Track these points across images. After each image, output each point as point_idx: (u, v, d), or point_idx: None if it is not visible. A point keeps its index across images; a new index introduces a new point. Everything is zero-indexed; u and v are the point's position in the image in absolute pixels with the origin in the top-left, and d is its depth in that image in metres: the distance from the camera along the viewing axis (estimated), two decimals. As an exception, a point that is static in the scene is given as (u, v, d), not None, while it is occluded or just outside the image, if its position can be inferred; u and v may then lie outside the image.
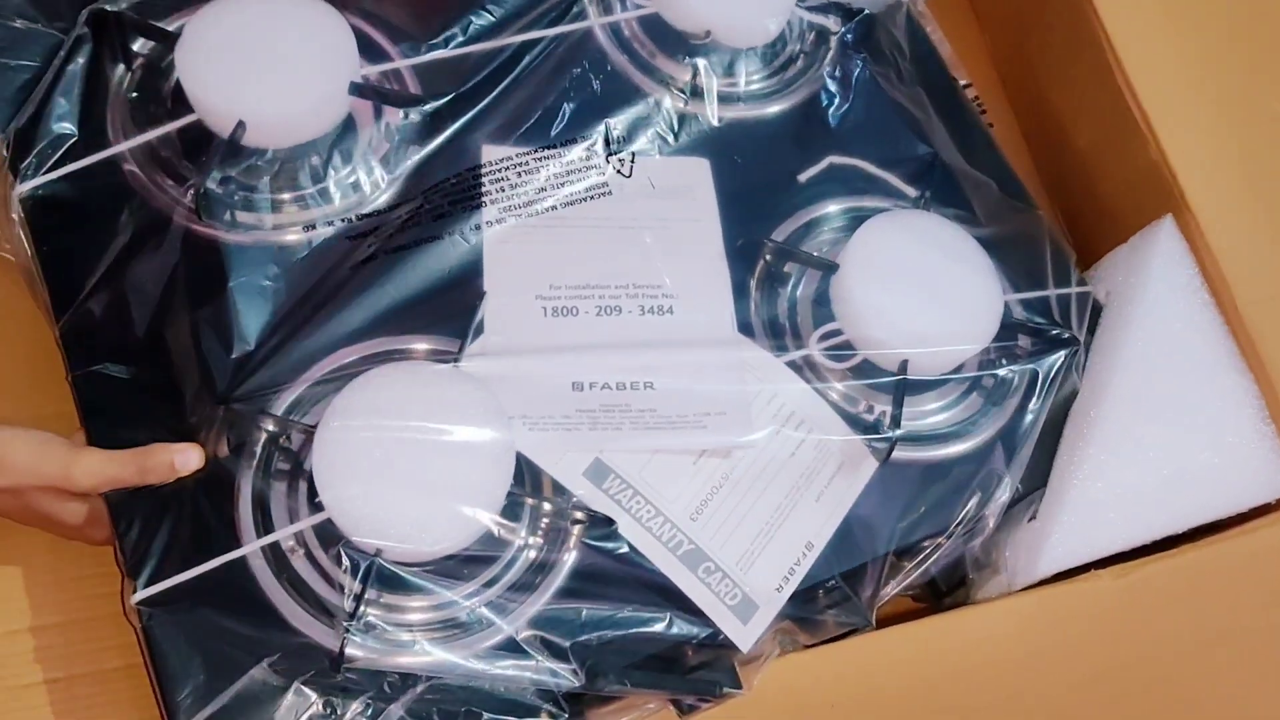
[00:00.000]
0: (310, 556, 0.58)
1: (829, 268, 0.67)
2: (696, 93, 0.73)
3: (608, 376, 0.63)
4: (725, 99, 0.74)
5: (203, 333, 0.61)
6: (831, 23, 0.77)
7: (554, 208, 0.68)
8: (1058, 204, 0.87)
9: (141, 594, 0.57)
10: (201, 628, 0.56)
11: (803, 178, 0.73)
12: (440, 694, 0.57)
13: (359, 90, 0.66)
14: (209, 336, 0.61)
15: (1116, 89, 0.75)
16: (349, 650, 0.54)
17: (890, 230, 0.68)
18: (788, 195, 0.72)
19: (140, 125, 0.66)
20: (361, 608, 0.55)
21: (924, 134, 0.74)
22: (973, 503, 0.66)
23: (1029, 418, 0.68)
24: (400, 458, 0.56)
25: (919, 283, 0.67)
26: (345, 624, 0.55)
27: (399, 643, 0.56)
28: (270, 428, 0.60)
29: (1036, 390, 0.68)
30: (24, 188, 0.64)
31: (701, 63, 0.73)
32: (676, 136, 0.73)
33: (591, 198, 0.69)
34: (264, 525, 0.58)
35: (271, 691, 0.55)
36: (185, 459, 0.57)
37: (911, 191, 0.73)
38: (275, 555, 0.58)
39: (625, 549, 0.60)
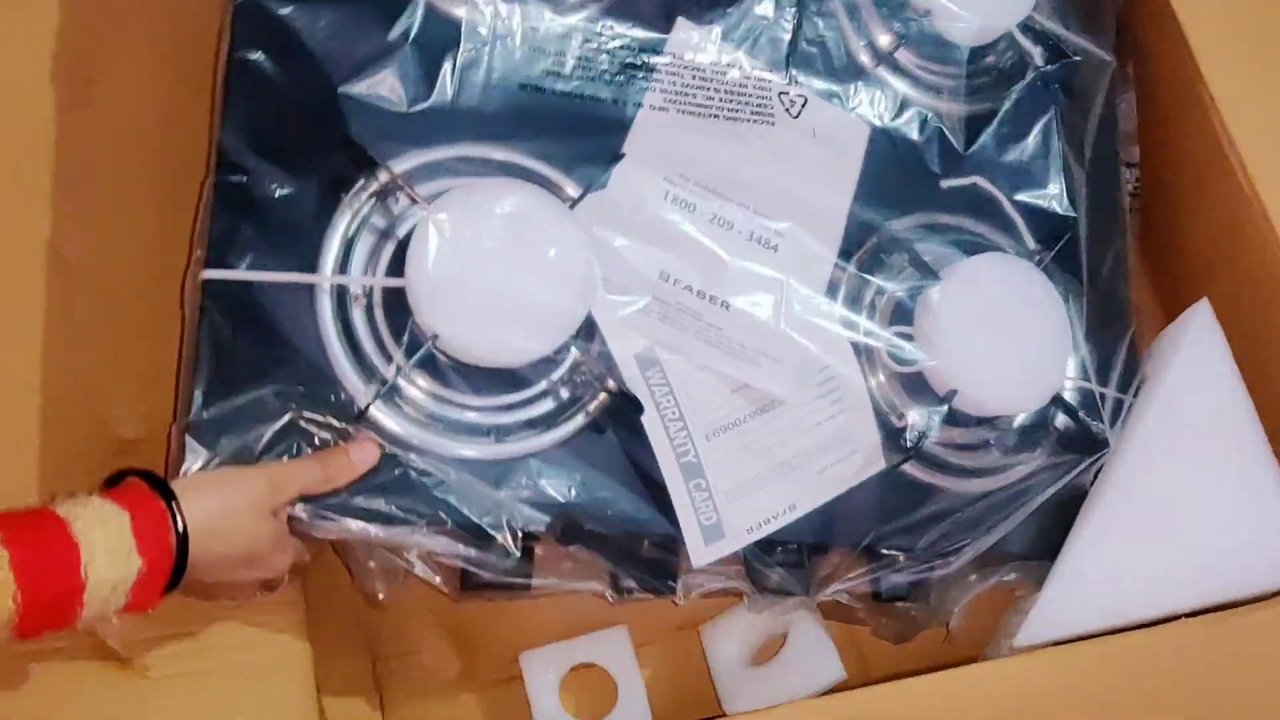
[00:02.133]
0: (370, 314, 0.61)
1: (931, 276, 0.69)
2: (889, 62, 0.74)
3: (693, 280, 0.66)
4: (911, 78, 0.75)
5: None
6: (1039, 54, 0.77)
7: (716, 116, 0.69)
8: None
9: (210, 273, 0.60)
10: (249, 331, 0.60)
11: (945, 184, 0.75)
12: (416, 490, 0.60)
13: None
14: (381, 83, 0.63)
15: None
16: (372, 411, 0.58)
17: (1001, 271, 0.70)
18: (924, 193, 0.73)
19: None
20: (399, 380, 0.58)
21: (1074, 196, 0.75)
22: (945, 535, 0.70)
23: (1034, 493, 0.70)
24: (488, 266, 0.59)
25: (1002, 330, 0.69)
26: (380, 386, 0.58)
27: (416, 421, 0.60)
28: (383, 179, 0.62)
29: (1053, 475, 0.70)
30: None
31: (904, 35, 0.74)
32: (852, 94, 0.73)
33: (754, 121, 0.70)
34: (343, 265, 0.62)
35: (272, 414, 0.59)
36: (363, 454, 0.58)
37: (1033, 244, 0.74)
38: (339, 297, 0.61)
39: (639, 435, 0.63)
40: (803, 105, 0.71)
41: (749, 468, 0.66)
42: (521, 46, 0.67)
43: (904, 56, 0.74)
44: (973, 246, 0.72)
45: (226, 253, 0.60)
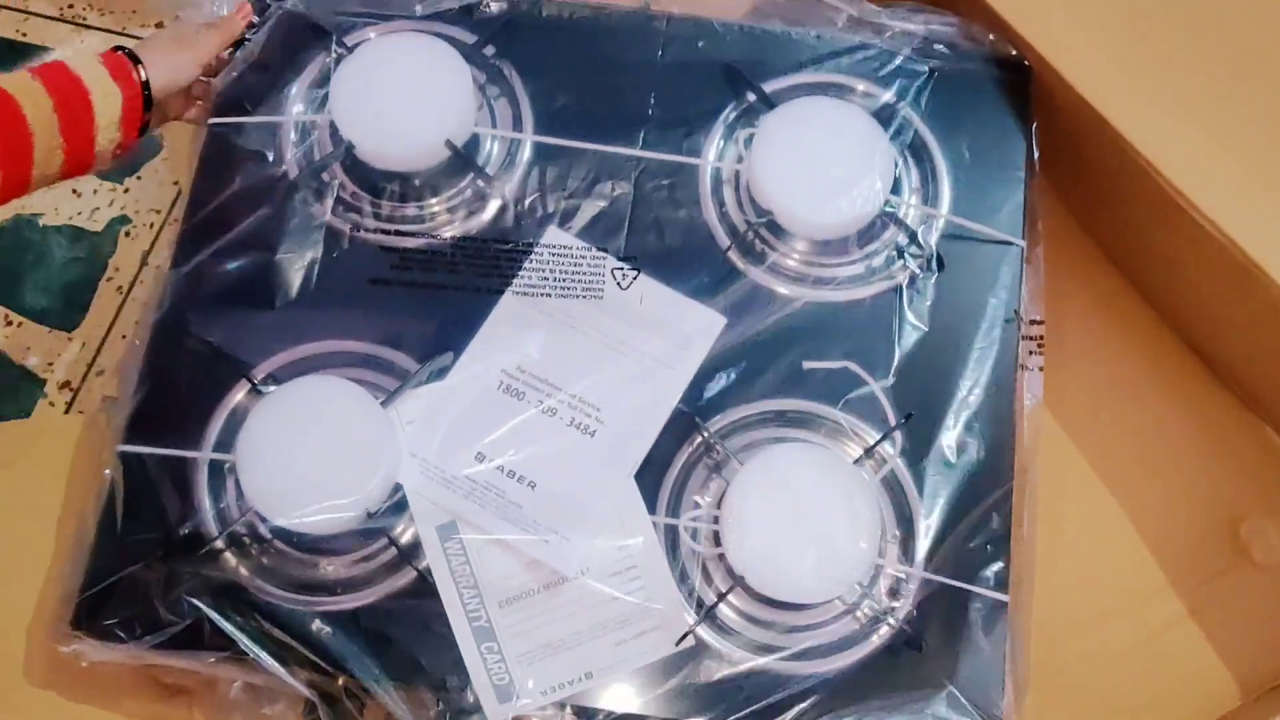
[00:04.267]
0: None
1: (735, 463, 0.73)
2: (750, 252, 0.80)
3: (506, 460, 0.74)
4: (779, 271, 0.80)
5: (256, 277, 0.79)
6: (914, 250, 0.79)
7: (548, 295, 0.78)
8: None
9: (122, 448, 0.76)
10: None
11: (807, 365, 0.78)
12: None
13: (453, 149, 0.78)
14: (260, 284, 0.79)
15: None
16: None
17: (804, 461, 0.73)
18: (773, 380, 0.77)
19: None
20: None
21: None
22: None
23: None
24: (298, 450, 0.71)
25: (796, 520, 0.71)
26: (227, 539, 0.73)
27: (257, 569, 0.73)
28: (254, 380, 0.76)
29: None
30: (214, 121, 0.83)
31: (763, 229, 0.79)
32: (715, 285, 0.79)
33: (584, 296, 0.78)
34: (218, 442, 0.76)
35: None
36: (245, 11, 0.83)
37: (870, 439, 0.76)
38: (213, 466, 0.76)
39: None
40: (634, 278, 0.78)
41: (543, 633, 0.72)
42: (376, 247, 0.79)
43: (762, 248, 0.80)
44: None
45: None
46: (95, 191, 1.12)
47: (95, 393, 1.04)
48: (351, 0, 0.85)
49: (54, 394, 1.04)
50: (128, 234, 1.11)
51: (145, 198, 1.12)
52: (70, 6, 1.21)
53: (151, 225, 1.11)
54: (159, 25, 1.19)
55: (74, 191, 1.12)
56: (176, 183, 1.12)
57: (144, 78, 0.78)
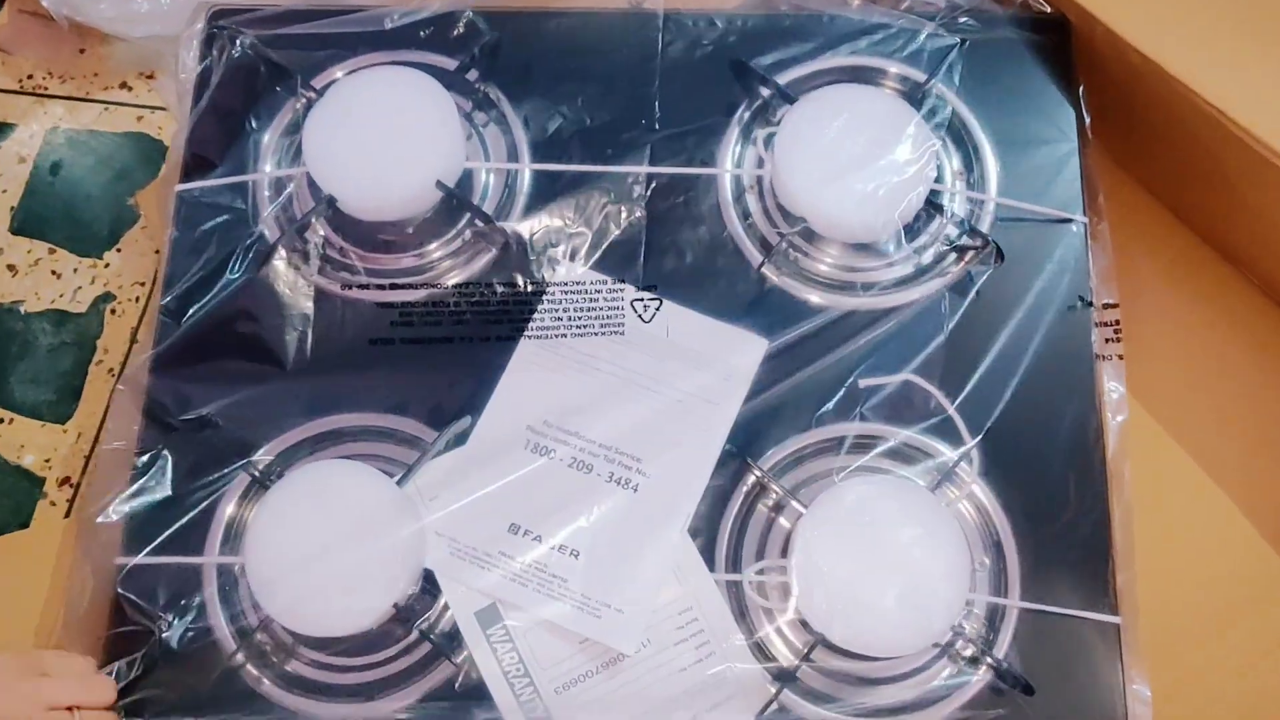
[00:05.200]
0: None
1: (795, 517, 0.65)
2: (785, 264, 0.72)
3: (544, 530, 0.67)
4: (817, 281, 0.72)
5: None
6: (967, 240, 0.71)
7: (568, 336, 0.71)
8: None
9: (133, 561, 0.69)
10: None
11: (863, 383, 0.70)
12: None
13: (445, 190, 0.71)
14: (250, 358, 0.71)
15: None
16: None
17: (880, 495, 0.65)
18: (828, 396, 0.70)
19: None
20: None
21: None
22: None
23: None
24: (310, 548, 0.64)
25: (878, 563, 0.63)
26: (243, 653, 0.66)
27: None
28: (255, 472, 0.69)
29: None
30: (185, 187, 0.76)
31: (796, 238, 0.71)
32: (750, 305, 0.72)
33: (602, 334, 0.70)
34: (224, 543, 0.69)
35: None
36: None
37: (944, 460, 0.68)
38: (222, 571, 0.68)
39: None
40: (656, 309, 0.70)
41: (608, 718, 0.65)
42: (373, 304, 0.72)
43: (798, 258, 0.72)
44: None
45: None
46: (75, 270, 1.05)
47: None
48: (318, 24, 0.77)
49: (54, 492, 0.98)
50: (113, 311, 1.04)
51: (127, 270, 1.05)
52: (29, 77, 1.14)
53: (137, 299, 1.04)
54: (123, 85, 1.12)
55: (53, 273, 1.05)
56: (157, 250, 1.05)
57: None
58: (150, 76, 1.13)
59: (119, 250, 1.06)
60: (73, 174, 1.10)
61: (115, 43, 1.12)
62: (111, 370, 1.01)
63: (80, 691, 0.63)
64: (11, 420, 1.01)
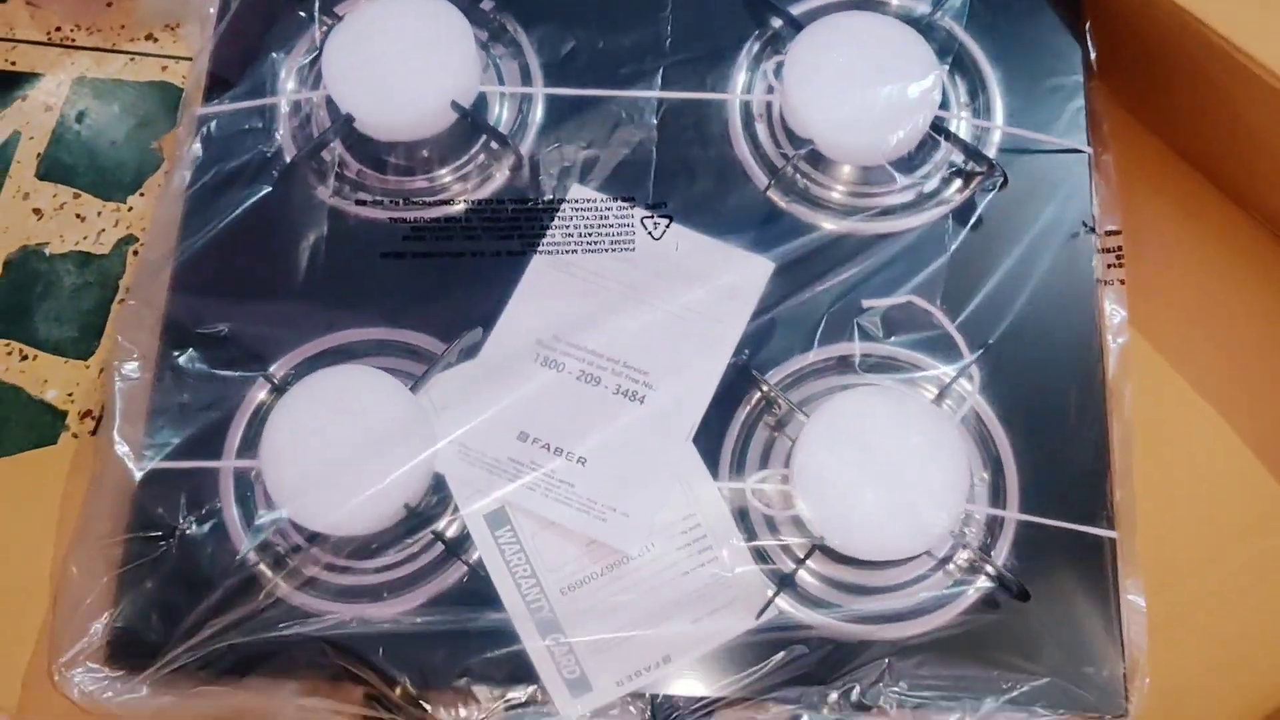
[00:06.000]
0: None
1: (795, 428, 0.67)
2: (792, 188, 0.73)
3: (551, 437, 0.68)
4: (823, 205, 0.73)
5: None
6: (973, 166, 0.73)
7: (579, 252, 0.72)
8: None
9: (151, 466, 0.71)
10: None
11: (866, 304, 0.72)
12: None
13: (460, 110, 0.72)
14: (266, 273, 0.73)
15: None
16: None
17: (876, 405, 0.66)
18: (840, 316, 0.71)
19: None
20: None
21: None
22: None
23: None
24: (325, 448, 0.66)
25: (876, 469, 0.65)
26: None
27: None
28: (273, 380, 0.71)
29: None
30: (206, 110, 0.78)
31: (803, 162, 0.73)
32: (757, 227, 0.73)
33: (613, 250, 0.72)
34: (241, 448, 0.71)
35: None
36: None
37: (945, 376, 0.69)
38: (239, 475, 0.70)
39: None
40: (666, 226, 0.72)
41: (612, 619, 0.66)
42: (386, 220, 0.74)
43: (804, 184, 0.73)
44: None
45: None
46: (99, 214, 1.08)
47: (117, 419, 0.99)
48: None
49: (75, 425, 1.00)
50: (135, 252, 1.06)
51: (150, 214, 1.07)
52: (57, 29, 1.17)
53: (158, 240, 1.06)
54: (148, 37, 1.15)
55: (77, 216, 1.08)
56: (181, 191, 1.07)
57: None
58: (175, 28, 1.15)
59: (142, 194, 1.08)
60: (98, 122, 1.13)
61: (141, -8, 1.15)
62: (132, 308, 1.04)
63: None
64: (35, 357, 1.03)
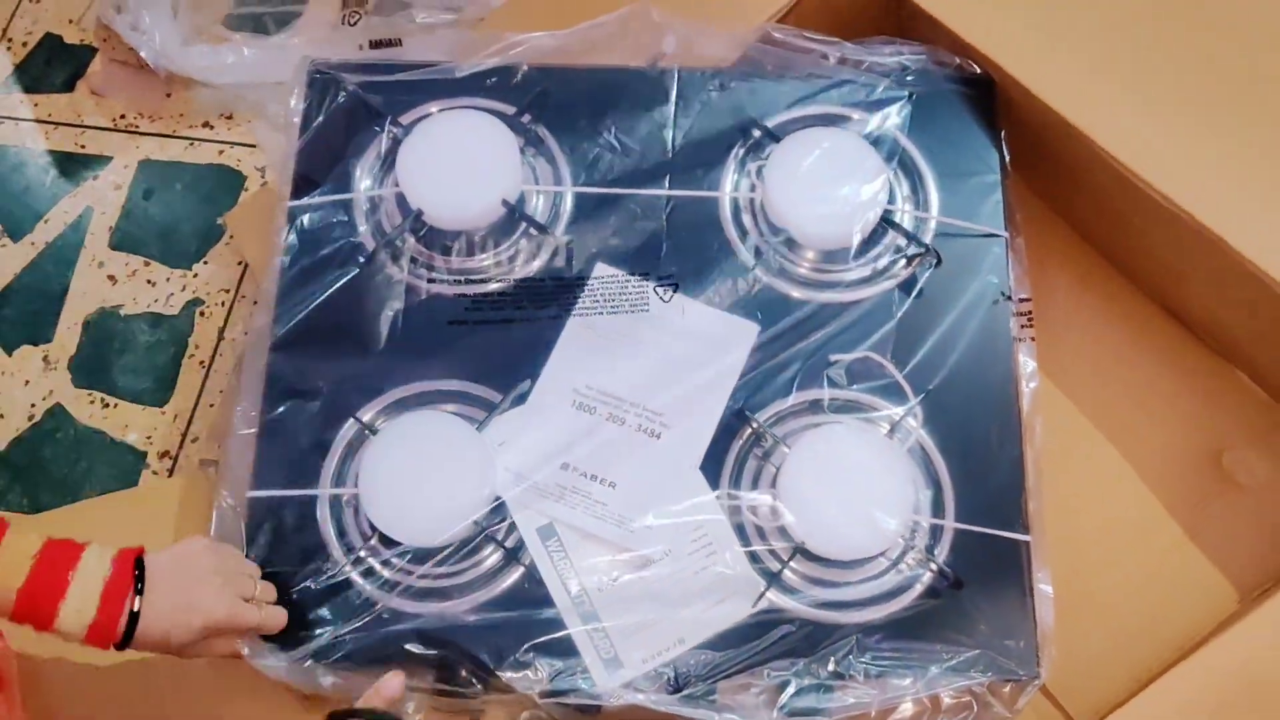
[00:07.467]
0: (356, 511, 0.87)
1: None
2: (771, 266, 0.92)
3: (588, 467, 0.86)
4: (797, 280, 0.92)
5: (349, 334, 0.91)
6: (914, 248, 0.92)
7: (604, 314, 0.91)
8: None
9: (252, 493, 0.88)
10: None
11: (833, 358, 0.90)
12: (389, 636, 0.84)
13: (508, 206, 0.91)
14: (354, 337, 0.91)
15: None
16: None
17: (845, 438, 0.85)
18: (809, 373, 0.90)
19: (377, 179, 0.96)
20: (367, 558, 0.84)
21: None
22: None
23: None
24: (411, 474, 0.83)
25: (846, 488, 0.83)
26: (352, 563, 0.85)
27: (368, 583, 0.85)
28: (363, 421, 0.88)
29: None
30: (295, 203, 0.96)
31: (780, 245, 0.92)
32: (744, 297, 0.92)
33: (632, 311, 0.91)
34: (335, 479, 0.88)
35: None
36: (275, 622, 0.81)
37: (895, 415, 0.88)
38: (333, 500, 0.87)
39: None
40: (673, 293, 0.91)
41: (640, 611, 0.84)
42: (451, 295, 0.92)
43: (781, 262, 0.93)
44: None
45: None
46: (168, 280, 1.24)
47: (192, 458, 1.15)
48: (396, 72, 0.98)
49: (155, 464, 1.16)
50: (202, 314, 1.23)
51: (214, 279, 1.24)
52: (122, 117, 1.34)
53: (223, 304, 1.23)
54: (205, 125, 1.32)
55: (148, 282, 1.24)
56: (241, 262, 1.24)
57: (135, 608, 0.73)
58: (229, 117, 1.32)
59: (206, 262, 1.25)
60: (163, 199, 1.30)
61: (198, 87, 1.32)
62: (202, 363, 1.21)
63: (262, 590, 0.83)
64: (116, 405, 1.19)
